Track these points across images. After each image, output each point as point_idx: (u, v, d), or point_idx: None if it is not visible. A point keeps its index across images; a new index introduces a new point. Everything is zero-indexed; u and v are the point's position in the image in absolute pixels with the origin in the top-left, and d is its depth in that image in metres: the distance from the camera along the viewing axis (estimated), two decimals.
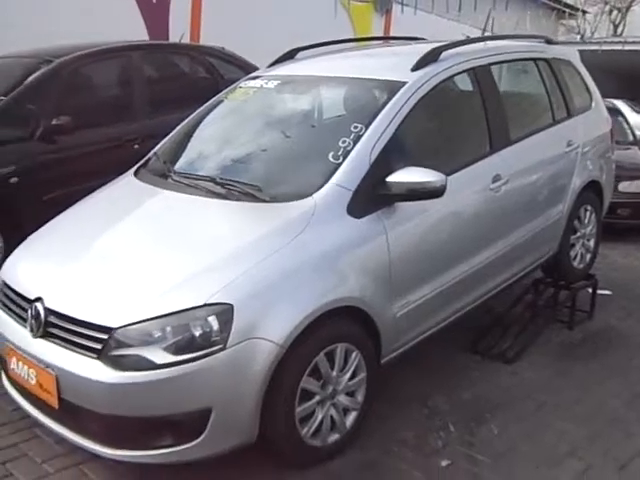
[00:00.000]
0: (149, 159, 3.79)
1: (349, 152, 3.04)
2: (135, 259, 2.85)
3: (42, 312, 2.71)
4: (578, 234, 4.65)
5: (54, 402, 2.65)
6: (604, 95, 7.59)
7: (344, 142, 3.08)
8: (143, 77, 5.88)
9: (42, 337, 2.70)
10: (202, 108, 4.00)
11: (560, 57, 4.62)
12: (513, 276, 4.02)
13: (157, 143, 5.51)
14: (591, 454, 3.08)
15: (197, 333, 2.50)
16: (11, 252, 4.85)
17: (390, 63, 3.79)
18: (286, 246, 2.76)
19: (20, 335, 2.80)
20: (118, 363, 2.49)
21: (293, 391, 2.68)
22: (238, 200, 3.04)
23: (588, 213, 4.71)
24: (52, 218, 3.46)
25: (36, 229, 3.42)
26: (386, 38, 4.62)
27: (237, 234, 2.86)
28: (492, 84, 3.80)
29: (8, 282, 3.03)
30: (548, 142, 4.20)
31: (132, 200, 3.38)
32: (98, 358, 2.52)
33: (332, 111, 3.61)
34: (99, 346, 2.53)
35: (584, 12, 24.84)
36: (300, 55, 4.28)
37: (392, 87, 3.31)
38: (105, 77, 5.79)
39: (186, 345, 2.49)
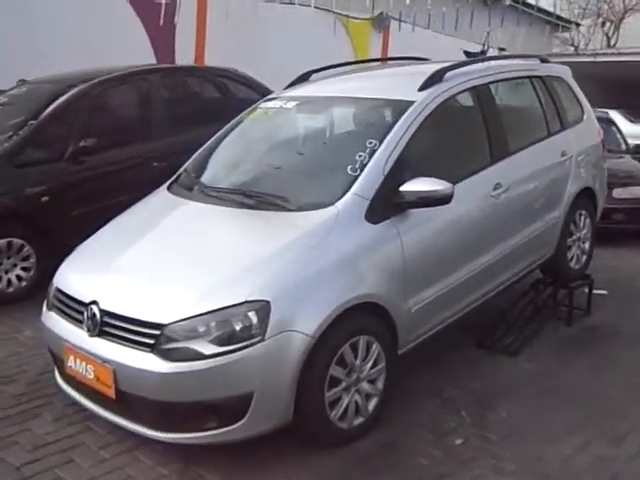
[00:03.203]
0: (180, 175, 4.13)
1: (365, 165, 3.39)
2: (179, 263, 3.19)
3: (98, 313, 3.05)
4: (574, 237, 4.99)
5: (111, 393, 2.98)
6: (599, 105, 7.92)
7: (360, 156, 3.43)
8: (161, 98, 6.25)
9: (98, 336, 3.04)
10: (226, 127, 4.34)
11: (553, 74, 4.99)
12: (515, 275, 4.36)
13: (176, 160, 5.89)
14: (589, 432, 3.41)
15: (238, 327, 2.84)
16: (43, 265, 5.22)
17: (399, 84, 4.15)
18: (314, 249, 3.11)
19: (77, 335, 3.14)
20: (169, 355, 2.83)
21: (323, 378, 3.02)
22: (267, 210, 3.40)
23: (583, 217, 5.06)
24: (81, 233, 3.76)
25: (65, 243, 3.72)
26: (394, 59, 4.96)
27: (269, 239, 3.21)
28: (491, 101, 4.17)
29: (62, 288, 3.37)
30: (544, 153, 4.56)
31: (171, 212, 3.74)
32: (151, 351, 2.86)
33: (348, 128, 3.96)
34: (152, 341, 2.87)
35: (577, 25, 25.34)
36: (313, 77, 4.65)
37: (401, 106, 3.66)
38: (126, 100, 6.18)
39: (229, 338, 2.83)
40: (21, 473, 3.01)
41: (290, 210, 3.35)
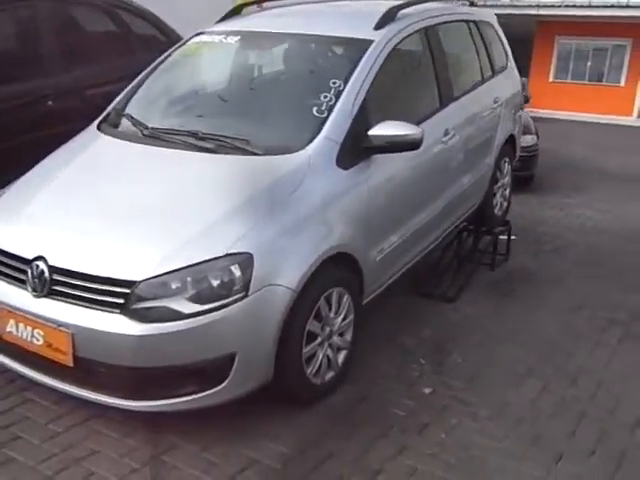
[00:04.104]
0: (109, 114, 3.67)
1: (332, 107, 3.18)
2: (138, 213, 2.82)
3: (46, 271, 2.66)
4: (499, 184, 5.10)
5: (67, 360, 2.63)
6: None
7: (326, 97, 3.21)
8: (52, 29, 5.52)
9: (46, 296, 2.66)
10: (157, 62, 3.90)
11: (485, 19, 4.97)
12: (453, 223, 4.41)
13: (74, 99, 5.32)
14: (544, 374, 3.50)
15: (218, 283, 2.58)
16: None
17: (348, 22, 3.91)
18: (291, 196, 2.88)
19: (16, 296, 2.73)
20: (143, 315, 2.53)
21: (301, 333, 2.84)
22: (228, 154, 3.09)
23: (506, 164, 5.17)
24: None
25: None
26: None
27: (240, 187, 2.91)
28: (439, 44, 4.06)
29: None
30: (481, 99, 4.56)
31: (111, 156, 3.30)
32: (121, 312, 2.54)
33: (302, 67, 3.65)
34: (121, 300, 2.54)
35: None
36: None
37: (361, 45, 3.45)
38: (13, 28, 5.41)
39: (209, 295, 2.57)
40: None
41: (256, 154, 3.07)
